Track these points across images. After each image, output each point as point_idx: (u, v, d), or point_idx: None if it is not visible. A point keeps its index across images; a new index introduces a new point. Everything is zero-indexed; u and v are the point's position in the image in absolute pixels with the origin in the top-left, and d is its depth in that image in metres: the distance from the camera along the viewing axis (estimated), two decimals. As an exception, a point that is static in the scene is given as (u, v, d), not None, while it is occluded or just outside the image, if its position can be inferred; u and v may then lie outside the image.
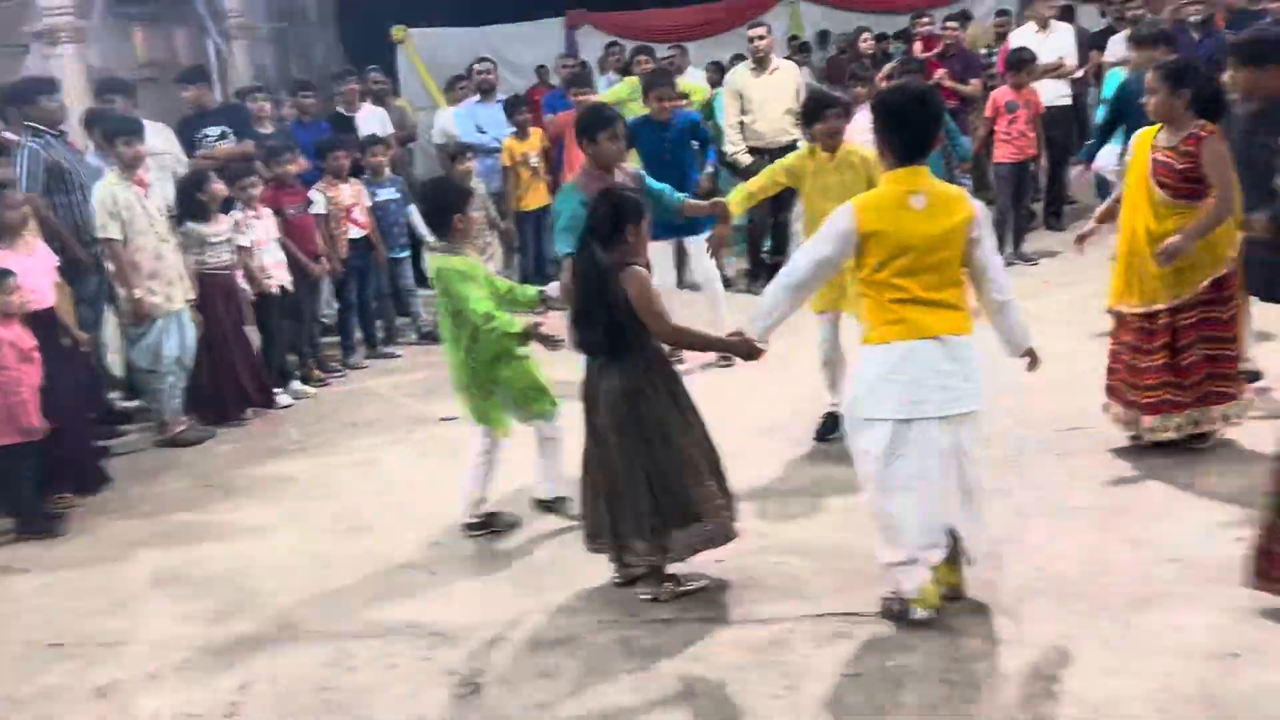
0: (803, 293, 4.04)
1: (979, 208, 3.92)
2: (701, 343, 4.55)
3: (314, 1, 19.45)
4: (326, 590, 4.76)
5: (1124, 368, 5.30)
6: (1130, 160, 5.36)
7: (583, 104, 9.64)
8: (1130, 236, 5.25)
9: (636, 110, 9.40)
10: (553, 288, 5.09)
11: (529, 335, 4.72)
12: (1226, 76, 5.43)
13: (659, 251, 7.00)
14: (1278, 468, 3.76)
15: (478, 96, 10.44)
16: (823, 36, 15.70)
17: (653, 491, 4.17)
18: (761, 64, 9.36)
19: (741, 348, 4.16)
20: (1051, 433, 5.61)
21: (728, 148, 9.31)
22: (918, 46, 12.04)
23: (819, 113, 5.75)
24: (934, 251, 3.82)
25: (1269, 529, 3.76)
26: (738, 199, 5.88)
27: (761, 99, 9.16)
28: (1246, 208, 5.02)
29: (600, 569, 4.51)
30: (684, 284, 8.43)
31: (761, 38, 9.37)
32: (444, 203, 4.95)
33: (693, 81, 10.95)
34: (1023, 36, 10.66)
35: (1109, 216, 5.61)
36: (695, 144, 8.04)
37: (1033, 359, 4.14)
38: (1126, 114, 6.87)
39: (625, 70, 12.09)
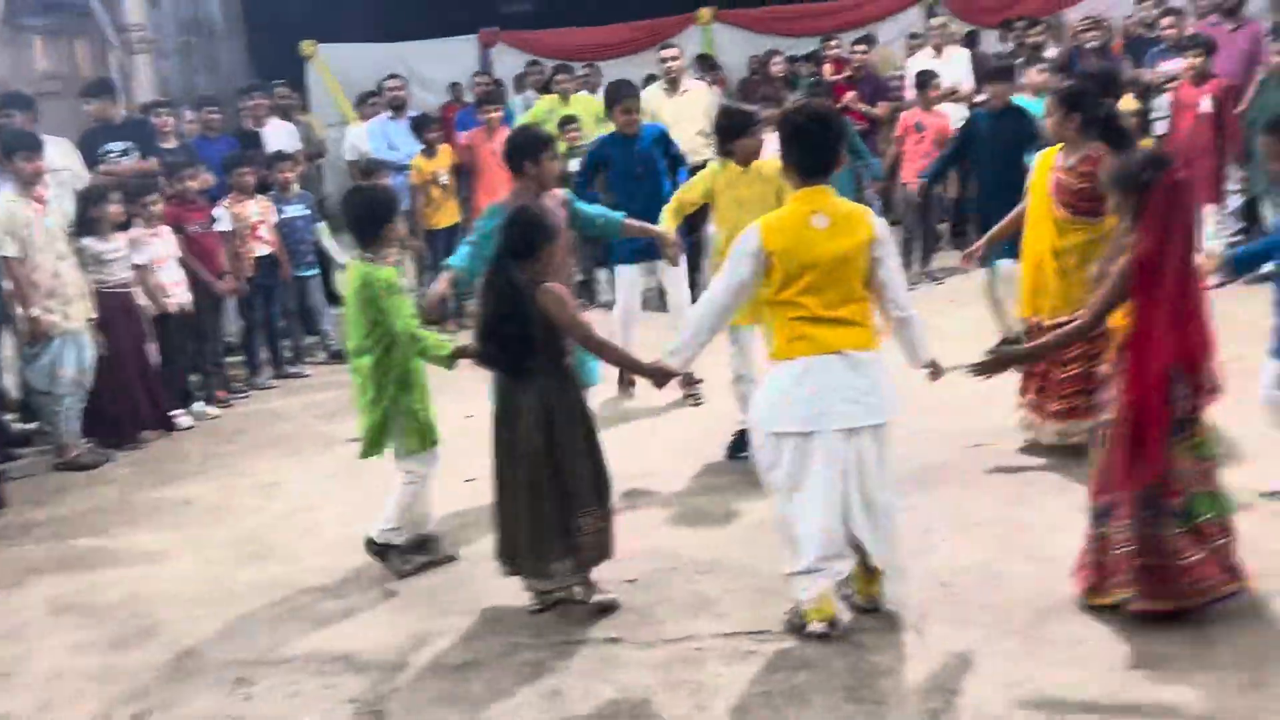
0: (722, 319, 4.11)
1: (881, 227, 3.99)
2: (619, 359, 4.52)
3: (221, 15, 19.15)
4: (228, 617, 4.64)
5: (1039, 374, 5.48)
6: (1031, 180, 5.50)
7: (494, 122, 9.66)
8: (1034, 253, 5.45)
9: (553, 129, 9.43)
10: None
11: (459, 356, 4.62)
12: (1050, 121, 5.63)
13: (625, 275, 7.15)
14: (1094, 478, 3.98)
15: (389, 113, 10.35)
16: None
17: (559, 512, 4.20)
18: (673, 85, 9.43)
19: (657, 376, 4.20)
20: (956, 447, 5.70)
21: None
22: (827, 69, 12.21)
23: (743, 129, 5.79)
24: (836, 270, 3.88)
25: (1095, 540, 3.96)
26: (668, 218, 5.97)
27: (674, 119, 9.21)
28: None
29: (507, 591, 4.47)
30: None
31: (674, 59, 9.45)
32: (372, 210, 4.80)
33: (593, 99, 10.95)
34: (920, 62, 10.94)
35: (1000, 236, 5.95)
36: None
37: (935, 370, 4.22)
38: (970, 147, 7.51)
39: (544, 89, 12.10)
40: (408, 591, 4.72)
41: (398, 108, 10.30)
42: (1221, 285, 4.67)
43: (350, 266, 4.81)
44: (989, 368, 4.26)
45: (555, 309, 4.14)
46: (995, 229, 6.09)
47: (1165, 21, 10.09)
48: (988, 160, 7.41)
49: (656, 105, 9.40)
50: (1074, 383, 5.34)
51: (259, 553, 5.29)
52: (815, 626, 3.98)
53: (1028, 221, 5.53)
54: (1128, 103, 9.11)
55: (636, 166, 7.25)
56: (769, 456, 4.00)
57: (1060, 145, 5.39)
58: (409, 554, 4.89)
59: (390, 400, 4.73)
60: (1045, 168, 5.42)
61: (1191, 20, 10.30)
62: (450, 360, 4.63)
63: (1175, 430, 3.84)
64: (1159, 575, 3.83)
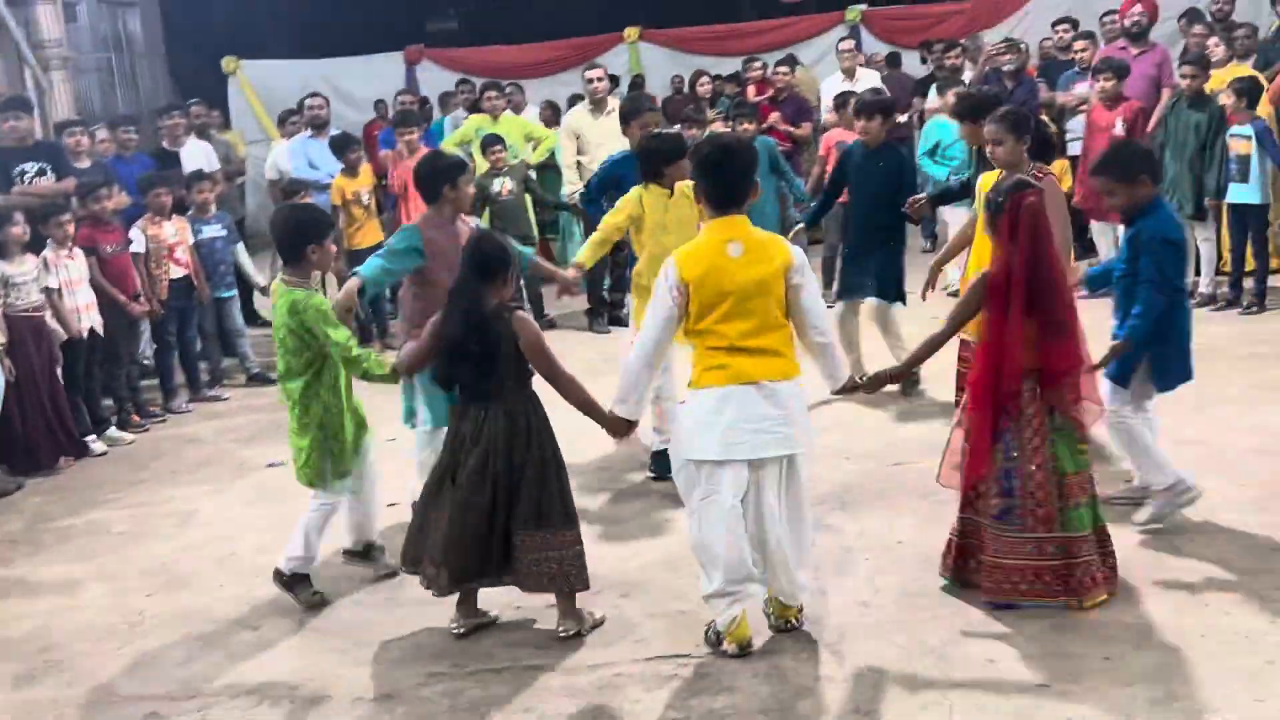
0: (657, 357, 4.13)
1: (797, 253, 4.02)
2: (581, 402, 4.37)
3: (142, 31, 18.85)
4: (140, 650, 4.54)
5: None
6: (977, 205, 5.64)
7: (411, 144, 9.57)
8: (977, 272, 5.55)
9: (478, 148, 9.43)
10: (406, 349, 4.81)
11: (400, 373, 4.58)
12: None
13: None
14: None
15: (310, 132, 10.23)
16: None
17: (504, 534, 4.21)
18: (599, 105, 9.45)
19: (619, 428, 4.23)
20: (877, 467, 5.75)
21: (566, 188, 9.35)
22: (750, 90, 12.32)
23: (676, 155, 5.75)
24: (752, 297, 3.92)
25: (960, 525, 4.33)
26: (587, 254, 5.97)
27: (599, 140, 9.22)
28: None
29: (425, 618, 4.43)
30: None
31: (599, 79, 9.47)
32: (296, 231, 4.66)
33: (537, 124, 10.97)
34: (832, 85, 11.10)
35: (944, 262, 6.37)
36: None
37: (853, 385, 4.32)
38: (845, 179, 7.26)
39: (473, 107, 12.07)
40: (324, 622, 4.65)
41: (319, 126, 10.18)
42: (1085, 298, 4.96)
43: (276, 290, 4.69)
44: (867, 387, 4.47)
45: (531, 339, 4.19)
46: (943, 252, 6.56)
47: (1079, 45, 10.34)
48: (859, 198, 7.14)
49: (581, 126, 9.41)
50: None
51: (173, 583, 5.18)
52: (728, 647, 4.06)
53: (974, 243, 5.66)
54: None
55: None
56: (686, 481, 4.07)
57: (999, 171, 5.43)
58: (356, 560, 4.94)
59: (318, 424, 4.65)
60: (987, 187, 5.48)
61: (1102, 44, 10.56)
62: (394, 376, 4.57)
63: (1008, 435, 4.17)
64: (986, 569, 4.22)
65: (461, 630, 4.36)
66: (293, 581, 4.73)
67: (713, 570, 4.01)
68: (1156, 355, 4.76)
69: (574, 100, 10.96)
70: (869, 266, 7.00)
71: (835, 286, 7.21)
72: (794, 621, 4.19)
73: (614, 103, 9.65)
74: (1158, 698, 3.59)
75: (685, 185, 5.82)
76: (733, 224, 3.99)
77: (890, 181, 6.94)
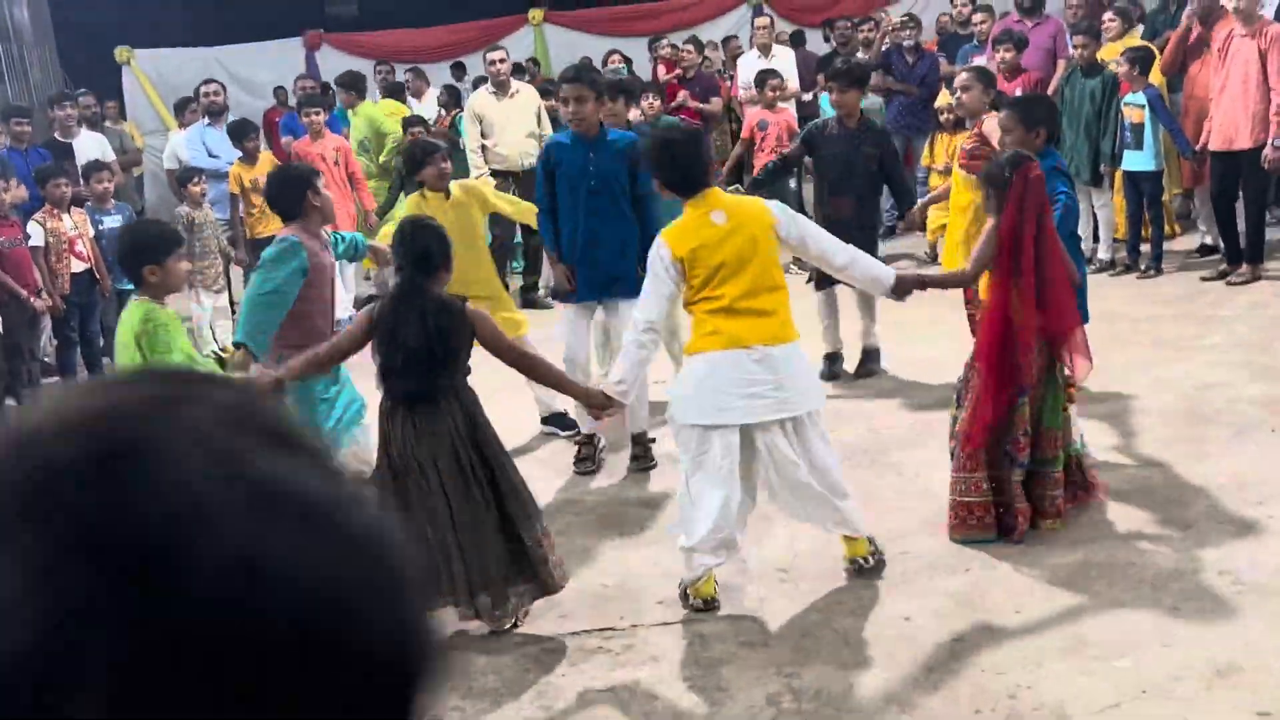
0: (657, 333, 4.21)
1: (775, 207, 4.15)
2: (558, 381, 4.35)
3: (30, 21, 18.28)
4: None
5: None
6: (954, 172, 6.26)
7: (316, 125, 9.44)
8: (952, 222, 6.35)
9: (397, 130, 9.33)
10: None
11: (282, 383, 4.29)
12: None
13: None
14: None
15: (206, 119, 10.01)
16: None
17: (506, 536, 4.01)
18: (501, 87, 9.38)
19: (597, 400, 4.19)
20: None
21: (472, 172, 9.28)
22: (661, 70, 12.33)
23: (423, 159, 5.87)
24: (745, 261, 4.01)
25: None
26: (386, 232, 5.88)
27: (503, 122, 9.16)
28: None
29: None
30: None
31: (500, 60, 9.40)
32: (134, 251, 4.34)
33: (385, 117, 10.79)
34: (747, 62, 11.17)
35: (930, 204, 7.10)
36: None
37: (909, 283, 4.45)
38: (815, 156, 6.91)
39: (391, 91, 11.92)
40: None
41: (215, 114, 9.95)
42: None
43: (131, 303, 4.37)
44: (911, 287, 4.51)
45: (490, 328, 4.09)
46: (929, 197, 7.14)
47: (978, 18, 10.53)
48: (837, 181, 6.52)
49: (483, 109, 9.33)
50: None
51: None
52: (694, 601, 4.16)
53: (951, 205, 6.27)
54: (944, 98, 9.46)
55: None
56: (682, 443, 4.14)
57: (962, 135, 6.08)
58: None
59: None
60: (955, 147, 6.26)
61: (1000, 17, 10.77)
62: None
63: (1022, 393, 4.35)
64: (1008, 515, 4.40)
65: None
66: None
67: (694, 526, 4.06)
68: None
69: (478, 83, 10.87)
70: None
71: (812, 272, 6.51)
72: (867, 559, 4.27)
73: (517, 84, 9.60)
74: (1068, 646, 3.71)
75: (457, 187, 5.99)
76: (708, 197, 4.11)
77: (869, 163, 6.48)
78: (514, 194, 9.06)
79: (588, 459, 5.68)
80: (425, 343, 3.94)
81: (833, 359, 6.67)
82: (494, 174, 9.15)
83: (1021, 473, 4.43)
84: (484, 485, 3.98)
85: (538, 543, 4.03)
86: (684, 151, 4.17)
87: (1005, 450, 4.43)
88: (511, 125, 9.17)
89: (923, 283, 4.67)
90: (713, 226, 4.04)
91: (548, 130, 9.45)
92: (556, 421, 6.28)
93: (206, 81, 10.31)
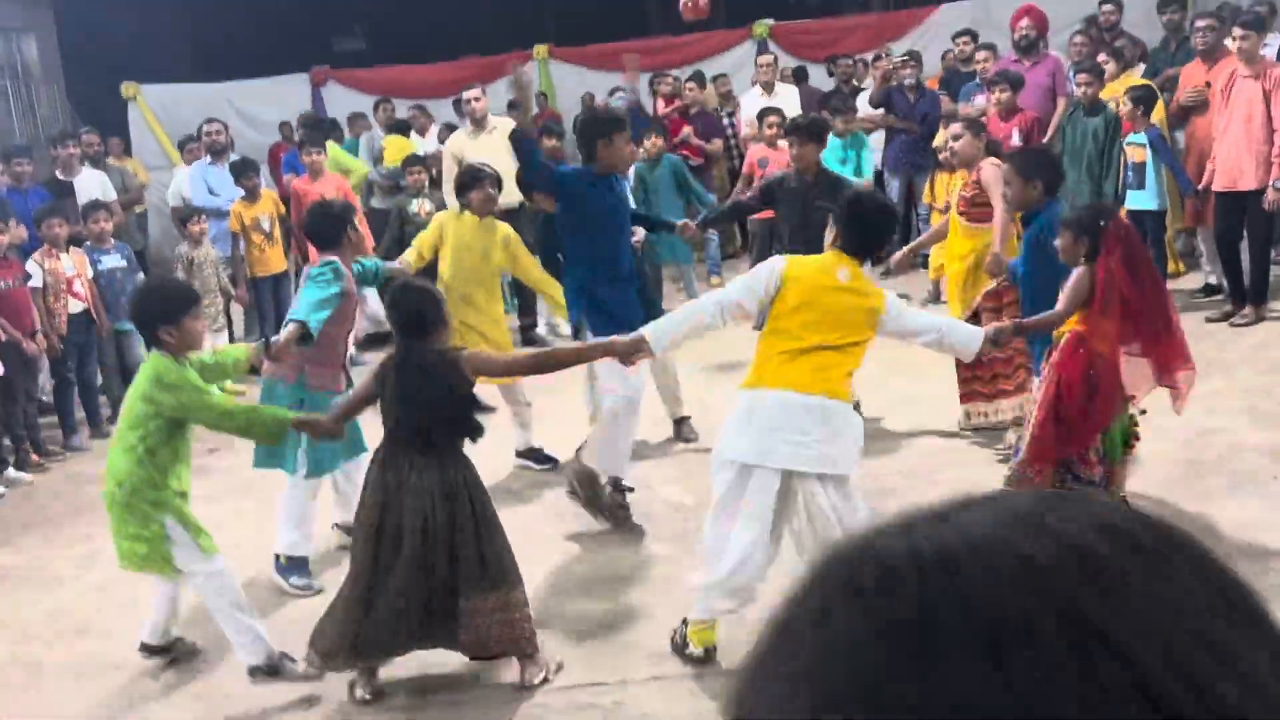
0: (717, 316, 4.16)
1: (891, 302, 4.13)
2: (576, 356, 4.48)
3: (39, 57, 18.41)
4: (38, 701, 4.40)
5: (970, 374, 6.10)
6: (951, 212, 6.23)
7: (316, 165, 9.46)
8: (948, 264, 6.40)
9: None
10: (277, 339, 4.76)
11: (303, 425, 4.34)
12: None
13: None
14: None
15: (209, 157, 10.04)
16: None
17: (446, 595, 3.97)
18: (479, 125, 9.37)
19: (627, 347, 4.16)
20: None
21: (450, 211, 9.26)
22: (660, 105, 12.34)
23: (473, 183, 6.24)
24: (839, 320, 4.03)
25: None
26: (411, 259, 6.24)
27: (480, 160, 9.10)
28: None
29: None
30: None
31: (476, 99, 9.41)
32: (148, 313, 4.30)
33: (350, 157, 10.84)
34: (751, 99, 11.17)
35: (917, 250, 7.05)
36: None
37: (998, 338, 4.45)
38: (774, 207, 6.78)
39: (395, 127, 11.98)
40: (231, 671, 4.51)
41: (218, 152, 9.97)
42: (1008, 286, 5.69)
43: (148, 361, 4.34)
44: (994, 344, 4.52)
45: (487, 368, 4.14)
46: (916, 242, 7.15)
47: (980, 56, 10.53)
48: (797, 235, 6.25)
49: (461, 148, 9.30)
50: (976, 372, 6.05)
51: (73, 629, 5.02)
52: (693, 650, 4.08)
53: (949, 242, 6.28)
54: (941, 136, 9.45)
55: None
56: (716, 474, 4.08)
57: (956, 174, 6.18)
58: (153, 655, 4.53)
59: (159, 506, 4.21)
60: (955, 187, 6.20)
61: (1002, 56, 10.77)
62: (293, 424, 4.29)
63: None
64: None
65: (369, 697, 4.08)
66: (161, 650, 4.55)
67: (717, 563, 3.99)
68: None
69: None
70: None
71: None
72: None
73: (494, 120, 9.59)
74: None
75: (503, 230, 6.32)
76: (849, 260, 4.14)
77: (824, 216, 6.53)
78: None
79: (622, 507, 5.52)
80: (417, 398, 3.99)
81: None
82: None
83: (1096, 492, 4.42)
84: (446, 551, 3.94)
85: (475, 609, 3.94)
86: (884, 227, 4.35)
87: (1070, 469, 4.49)
88: (490, 163, 9.13)
89: (1021, 329, 4.73)
90: (833, 277, 4.07)
91: None
92: (532, 456, 6.28)
93: (209, 120, 10.35)
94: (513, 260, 6.38)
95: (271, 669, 4.23)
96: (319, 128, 11.67)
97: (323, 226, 5.31)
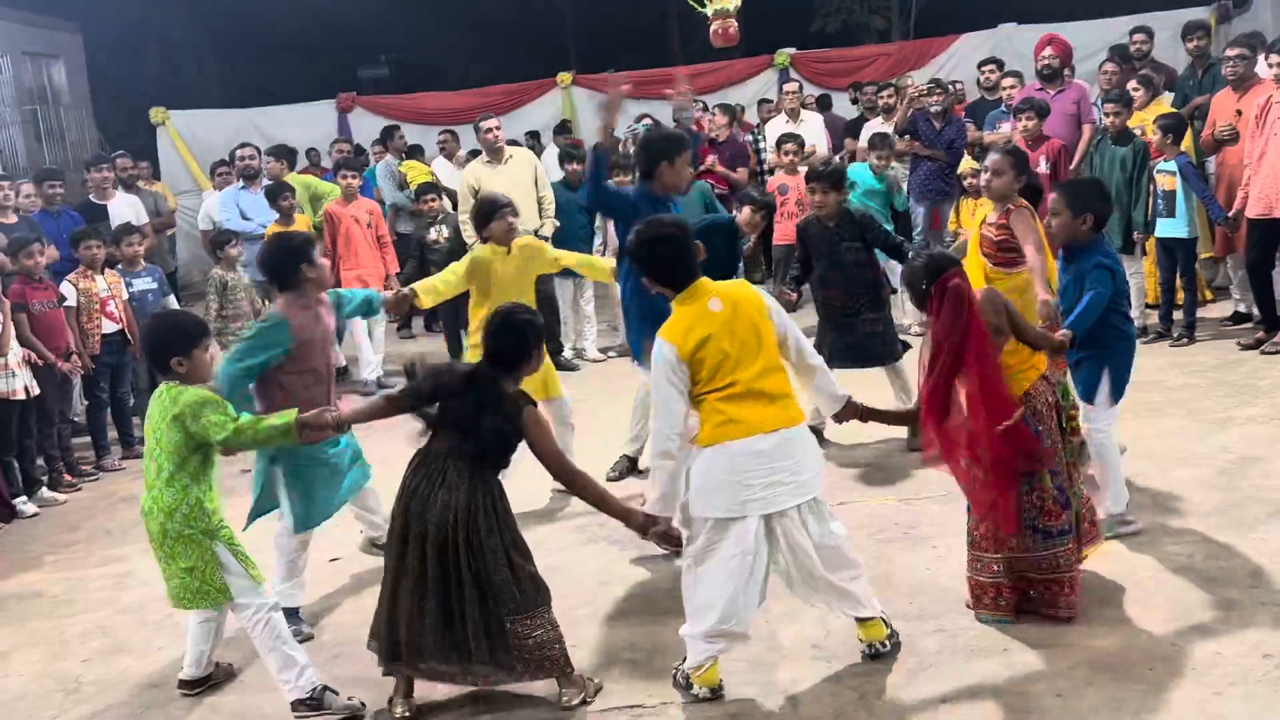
0: (681, 441, 4.02)
1: (761, 292, 4.11)
2: (599, 500, 4.20)
3: (68, 83, 18.63)
4: (78, 717, 4.40)
5: None
6: (970, 235, 6.05)
7: (352, 188, 9.56)
8: None
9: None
10: None
11: (305, 425, 4.23)
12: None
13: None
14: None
15: (241, 182, 10.15)
16: None
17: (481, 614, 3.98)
18: (496, 155, 9.43)
19: (639, 521, 4.10)
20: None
21: (467, 240, 9.29)
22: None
23: (492, 214, 6.07)
24: (749, 344, 3.95)
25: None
26: (424, 294, 6.00)
27: (497, 189, 9.13)
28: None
29: (369, 679, 4.34)
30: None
31: (492, 129, 9.45)
32: (160, 342, 4.30)
33: (322, 182, 10.87)
34: (776, 127, 11.22)
35: None
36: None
37: (850, 408, 4.28)
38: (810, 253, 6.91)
39: (408, 153, 12.07)
40: (260, 686, 4.51)
41: (250, 177, 10.10)
42: None
43: (157, 393, 4.31)
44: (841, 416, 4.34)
45: (544, 441, 4.07)
46: None
47: (1006, 83, 10.56)
48: (828, 275, 6.73)
49: (478, 178, 9.35)
50: None
51: (110, 646, 5.04)
52: (698, 690, 4.05)
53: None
54: (968, 164, 9.47)
55: None
56: (691, 531, 4.03)
57: (991, 203, 5.89)
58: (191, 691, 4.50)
59: (209, 534, 4.20)
60: (979, 221, 5.95)
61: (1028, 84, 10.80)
62: (298, 429, 4.20)
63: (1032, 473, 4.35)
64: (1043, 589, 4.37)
65: (407, 714, 4.11)
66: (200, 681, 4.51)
67: (702, 614, 3.98)
68: (1113, 369, 5.02)
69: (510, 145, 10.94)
70: (857, 335, 6.68)
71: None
72: (884, 643, 4.19)
73: (511, 150, 9.64)
74: (1105, 732, 3.62)
75: (520, 242, 6.16)
76: (699, 288, 4.03)
77: (851, 254, 6.63)
78: None
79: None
80: (492, 434, 4.00)
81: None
82: None
83: (1067, 540, 4.33)
84: (462, 567, 3.94)
85: (513, 632, 3.98)
86: (669, 250, 4.06)
87: (1036, 528, 4.32)
88: (508, 192, 9.16)
89: (864, 415, 4.37)
90: (711, 314, 3.95)
91: (546, 192, 9.50)
92: None
93: (242, 145, 10.47)
94: (547, 263, 6.36)
95: (314, 703, 4.18)
96: (360, 153, 11.81)
97: (275, 263, 4.94)
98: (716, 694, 4.04)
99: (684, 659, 4.11)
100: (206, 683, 4.51)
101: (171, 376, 4.24)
